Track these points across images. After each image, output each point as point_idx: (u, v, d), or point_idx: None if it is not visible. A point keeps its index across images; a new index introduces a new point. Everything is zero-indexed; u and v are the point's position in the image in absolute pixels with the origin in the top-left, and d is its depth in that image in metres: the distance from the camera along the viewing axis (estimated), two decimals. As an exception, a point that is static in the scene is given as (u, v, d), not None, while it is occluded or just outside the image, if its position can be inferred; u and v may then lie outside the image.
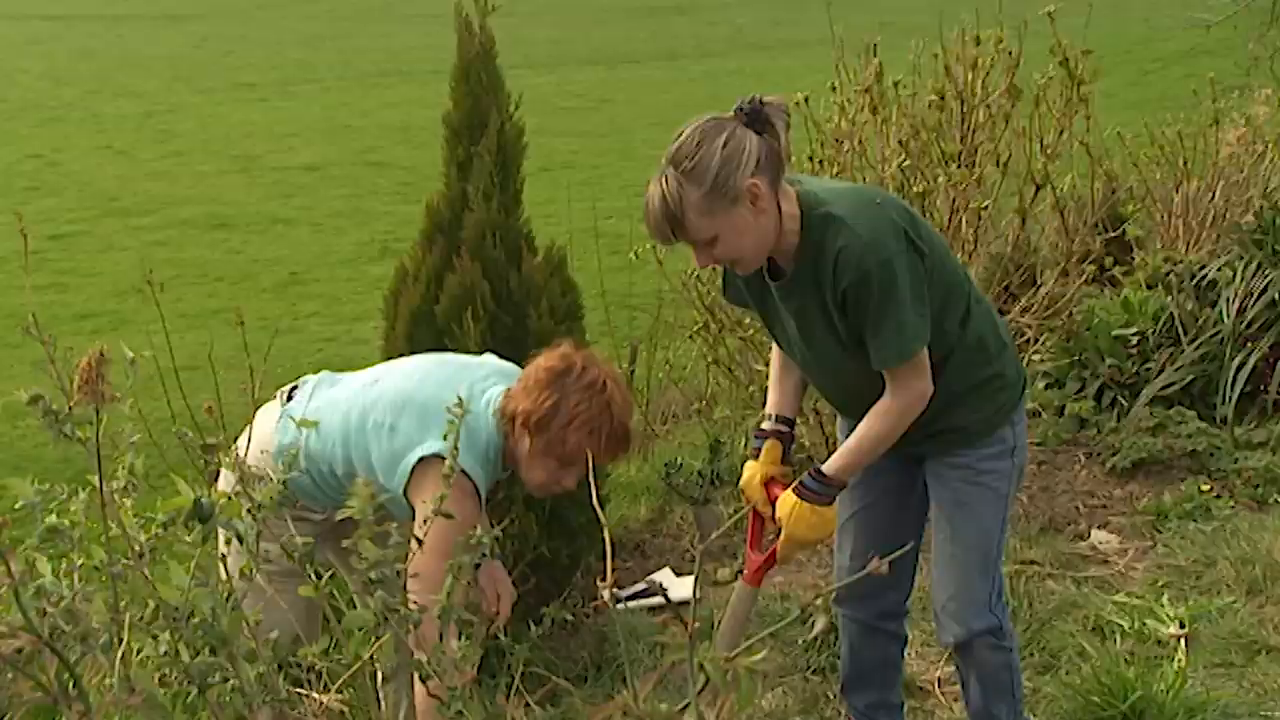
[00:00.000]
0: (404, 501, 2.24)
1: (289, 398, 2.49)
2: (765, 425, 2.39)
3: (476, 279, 3.13)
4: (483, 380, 2.38)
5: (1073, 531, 3.68)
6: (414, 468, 2.22)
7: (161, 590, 1.19)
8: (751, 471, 2.35)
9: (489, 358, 2.54)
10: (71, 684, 0.99)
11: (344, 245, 10.36)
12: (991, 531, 2.34)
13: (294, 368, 7.45)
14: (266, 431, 2.40)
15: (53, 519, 1.19)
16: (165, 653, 1.15)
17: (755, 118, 2.04)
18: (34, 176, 13.41)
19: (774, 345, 2.42)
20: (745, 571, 2.37)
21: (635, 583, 3.62)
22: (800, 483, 2.24)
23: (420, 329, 3.18)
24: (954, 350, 2.21)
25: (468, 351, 3.11)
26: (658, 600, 3.54)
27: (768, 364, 2.59)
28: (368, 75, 21.08)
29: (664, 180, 2.04)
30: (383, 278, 7.92)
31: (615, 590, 3.55)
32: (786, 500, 2.25)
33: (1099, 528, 3.68)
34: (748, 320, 3.97)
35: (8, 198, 12.40)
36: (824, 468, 2.23)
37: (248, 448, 2.35)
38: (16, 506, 1.22)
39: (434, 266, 3.21)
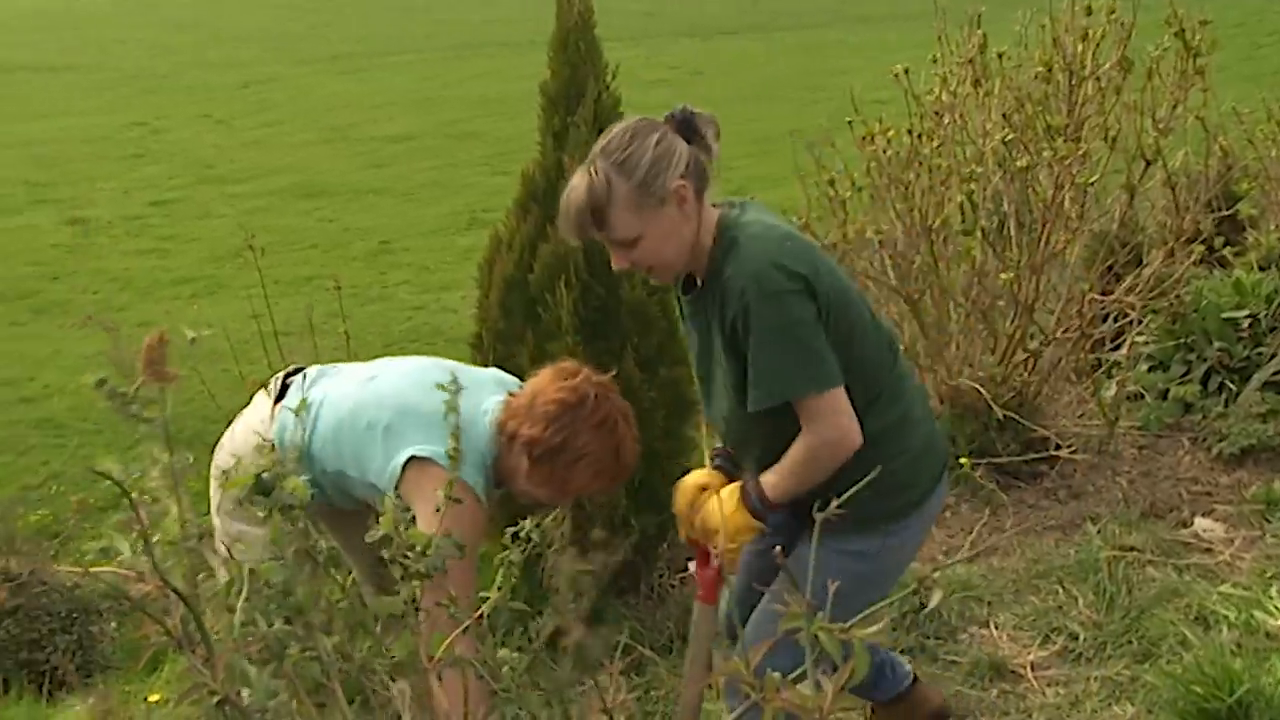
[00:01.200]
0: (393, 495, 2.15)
1: (282, 389, 2.39)
2: (716, 454, 2.33)
3: (570, 248, 3.13)
4: (480, 387, 2.28)
5: (1175, 518, 3.56)
6: (404, 467, 2.13)
7: (231, 565, 1.20)
8: (686, 479, 2.29)
9: (490, 370, 2.43)
10: (196, 628, 1.02)
11: (433, 215, 10.50)
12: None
13: (384, 335, 7.61)
14: (260, 419, 2.34)
15: (136, 494, 1.22)
16: (244, 623, 1.17)
17: (686, 125, 2.04)
18: (137, 144, 13.82)
19: None
20: (700, 591, 2.28)
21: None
22: (745, 486, 2.13)
23: (513, 297, 3.20)
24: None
25: (559, 321, 3.12)
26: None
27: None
28: (458, 47, 21.27)
29: (593, 171, 2.01)
30: (471, 248, 8.04)
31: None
32: (731, 496, 2.14)
33: (1203, 515, 3.56)
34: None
35: (114, 164, 12.82)
36: (765, 487, 2.10)
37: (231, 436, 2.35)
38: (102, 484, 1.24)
39: (528, 235, 3.22)
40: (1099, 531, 3.43)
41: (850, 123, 4.07)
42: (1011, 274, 3.77)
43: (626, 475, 2.25)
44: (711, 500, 2.17)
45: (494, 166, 11.86)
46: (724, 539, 2.09)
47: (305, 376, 2.40)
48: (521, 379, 3.18)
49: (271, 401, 2.36)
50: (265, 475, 1.29)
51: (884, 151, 3.96)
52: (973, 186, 3.81)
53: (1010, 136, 3.79)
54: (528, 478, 2.18)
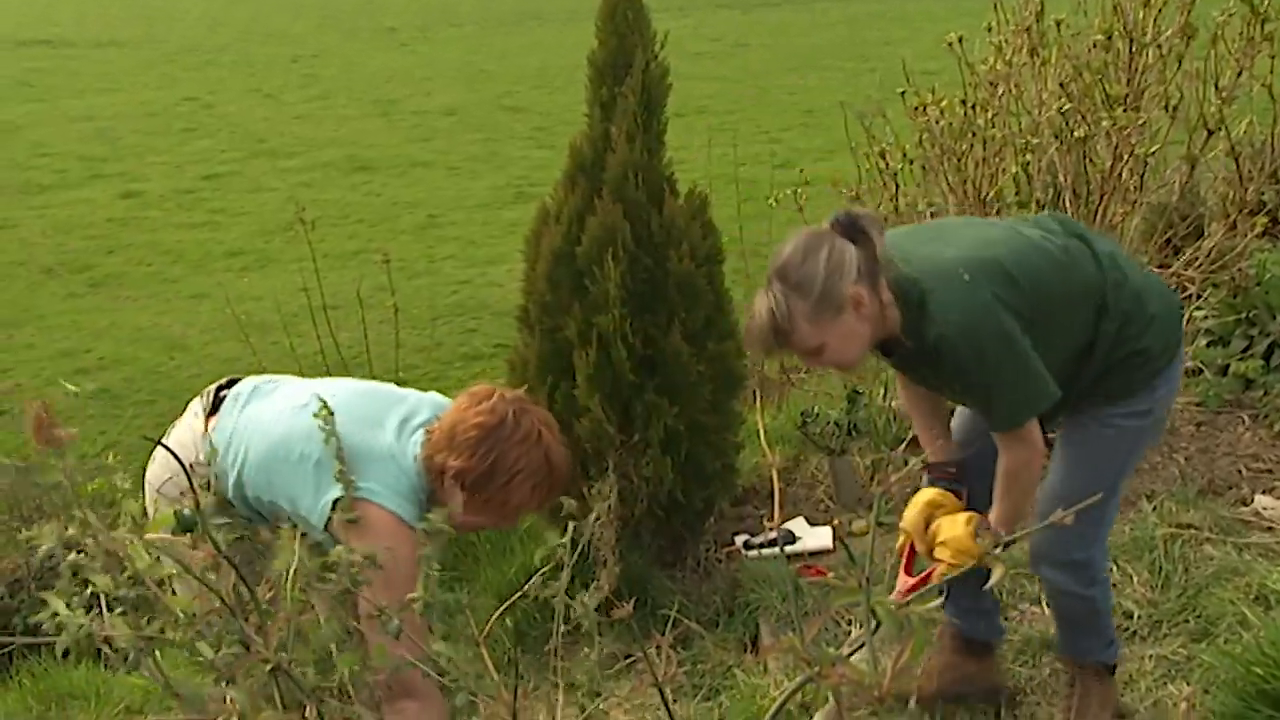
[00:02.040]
0: (323, 533, 2.13)
1: (216, 398, 2.35)
2: (932, 471, 2.49)
3: (618, 220, 3.10)
4: (411, 418, 2.24)
5: (1234, 496, 3.48)
6: (334, 505, 2.10)
7: (173, 603, 1.19)
8: (919, 496, 2.45)
9: (430, 395, 2.37)
10: (249, 595, 1.02)
11: (480, 189, 10.51)
12: (1103, 477, 2.35)
13: (430, 309, 7.65)
14: (193, 434, 2.32)
15: (73, 557, 1.25)
16: (190, 654, 1.18)
17: (851, 228, 2.14)
18: (190, 118, 13.96)
19: (900, 385, 2.58)
20: (896, 592, 2.41)
21: (769, 531, 3.59)
22: (980, 521, 2.32)
23: (560, 269, 3.18)
24: (1094, 342, 2.26)
25: (608, 293, 3.11)
26: (793, 549, 3.51)
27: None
28: (505, 19, 21.24)
29: (772, 294, 2.13)
30: (517, 222, 8.04)
31: (748, 537, 3.55)
32: (970, 522, 2.32)
33: (1264, 493, 3.48)
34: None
35: (167, 138, 12.97)
36: (992, 524, 2.33)
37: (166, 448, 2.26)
38: (41, 554, 1.27)
39: (575, 207, 3.20)
40: (1155, 509, 3.37)
41: (902, 93, 4.01)
42: (1067, 247, 3.69)
43: (563, 483, 2.21)
44: (952, 518, 2.35)
45: (540, 140, 11.85)
46: (952, 554, 2.28)
47: (238, 396, 2.33)
48: (570, 353, 3.18)
49: (204, 416, 2.32)
50: (186, 512, 1.27)
51: (936, 122, 3.90)
52: (1028, 158, 3.74)
53: (1067, 106, 3.70)
54: (467, 508, 2.15)
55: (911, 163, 3.99)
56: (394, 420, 2.21)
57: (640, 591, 3.13)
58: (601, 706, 2.93)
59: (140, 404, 6.00)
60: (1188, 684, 2.66)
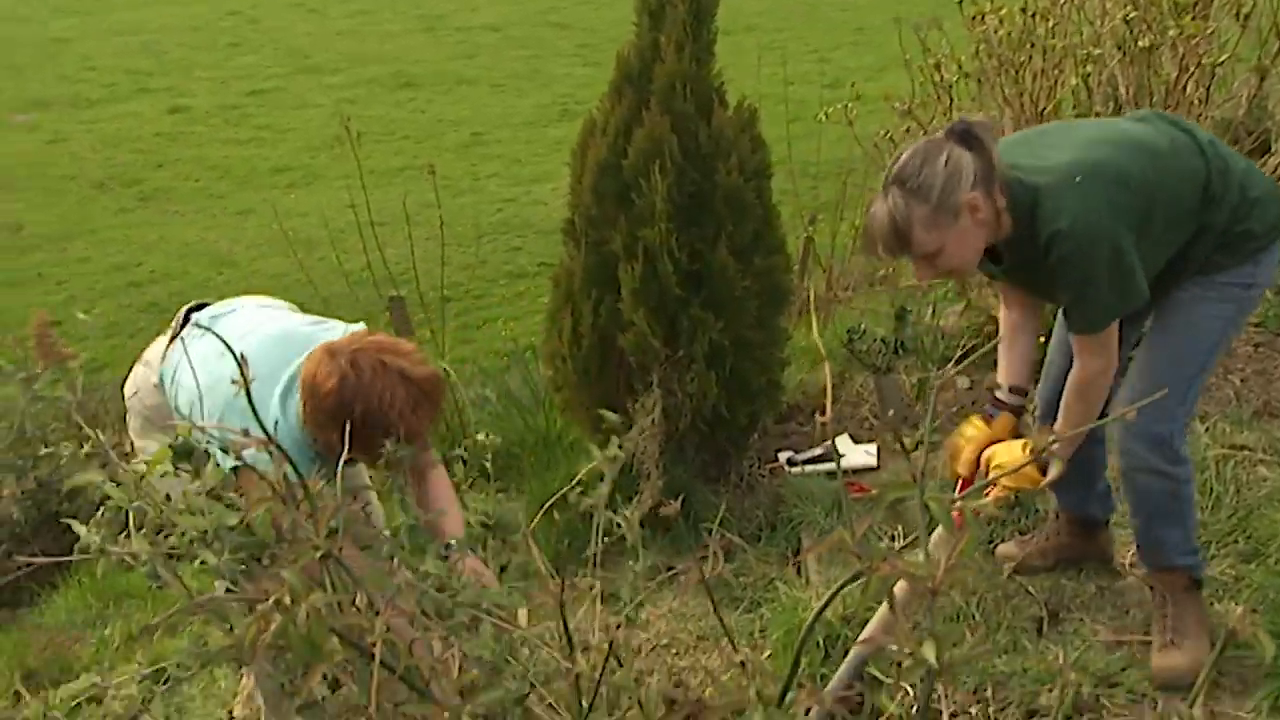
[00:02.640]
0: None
1: (184, 322, 2.40)
2: (999, 394, 2.49)
3: (665, 132, 3.05)
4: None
5: (1290, 419, 3.42)
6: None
7: (185, 520, 1.20)
8: (974, 433, 2.46)
9: (336, 326, 2.32)
10: (301, 488, 1.03)
11: (524, 107, 10.43)
12: (1199, 344, 2.36)
13: (475, 227, 7.62)
14: (157, 352, 2.40)
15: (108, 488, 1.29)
16: (201, 562, 1.21)
17: (966, 136, 2.17)
18: (234, 33, 13.93)
19: (1003, 310, 2.54)
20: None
21: (813, 448, 3.59)
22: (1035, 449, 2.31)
23: (606, 181, 3.15)
24: (1201, 229, 2.29)
25: (654, 206, 3.07)
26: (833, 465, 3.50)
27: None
28: (550, -67, 20.80)
29: (890, 199, 2.17)
30: (561, 140, 7.98)
31: (791, 453, 3.55)
32: (1025, 448, 2.33)
33: (1320, 416, 3.41)
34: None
35: (212, 53, 12.96)
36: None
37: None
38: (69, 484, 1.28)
39: (622, 118, 3.15)
40: (1208, 430, 3.32)
41: (960, 2, 3.88)
42: (1126, 162, 3.58)
43: (438, 388, 2.17)
44: (1008, 444, 2.41)
45: (585, 57, 11.70)
46: (1011, 479, 2.33)
47: (197, 325, 2.36)
48: (615, 266, 3.15)
49: (168, 338, 2.35)
50: (181, 441, 1.27)
51: (995, 32, 3.78)
52: (1089, 69, 3.61)
53: (1132, 15, 3.57)
54: (371, 462, 2.10)
55: (967, 76, 3.88)
56: (288, 373, 2.19)
57: (683, 505, 3.15)
58: (644, 616, 2.98)
59: (190, 317, 6.09)
60: (1236, 604, 2.63)
